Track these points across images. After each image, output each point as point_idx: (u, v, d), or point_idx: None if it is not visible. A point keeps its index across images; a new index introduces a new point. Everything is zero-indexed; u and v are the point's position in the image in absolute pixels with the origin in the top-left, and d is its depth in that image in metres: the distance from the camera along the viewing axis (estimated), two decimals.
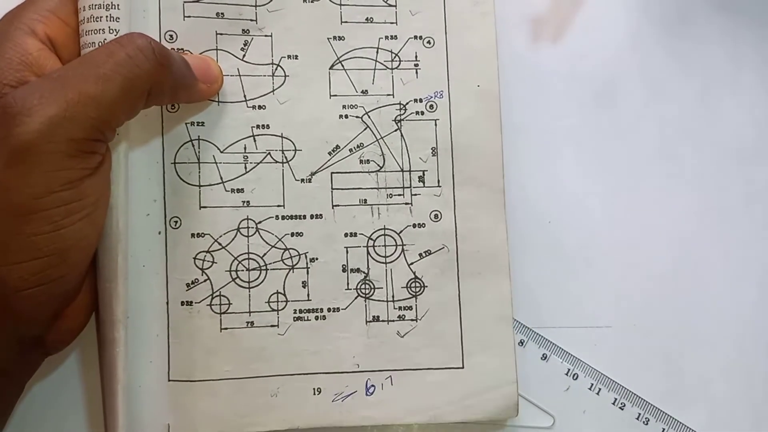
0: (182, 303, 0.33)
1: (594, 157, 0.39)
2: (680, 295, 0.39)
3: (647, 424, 0.37)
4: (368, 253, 0.34)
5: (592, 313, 0.38)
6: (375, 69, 0.35)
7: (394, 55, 0.35)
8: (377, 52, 0.35)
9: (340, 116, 0.35)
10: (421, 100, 0.35)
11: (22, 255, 0.26)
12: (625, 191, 0.39)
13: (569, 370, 0.37)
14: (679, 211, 0.39)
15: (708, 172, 0.40)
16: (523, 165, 0.38)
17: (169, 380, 0.33)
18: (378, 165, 0.35)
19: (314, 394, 0.33)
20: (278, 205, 0.34)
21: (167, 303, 0.33)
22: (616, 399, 0.37)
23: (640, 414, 0.37)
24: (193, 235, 0.33)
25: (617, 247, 0.39)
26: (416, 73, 0.35)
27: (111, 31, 0.30)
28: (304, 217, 0.34)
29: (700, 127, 0.40)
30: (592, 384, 0.37)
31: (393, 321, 0.34)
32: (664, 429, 0.37)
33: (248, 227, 0.33)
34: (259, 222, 0.34)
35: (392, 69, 0.35)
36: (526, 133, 0.38)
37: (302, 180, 0.34)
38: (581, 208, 0.39)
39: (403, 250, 0.35)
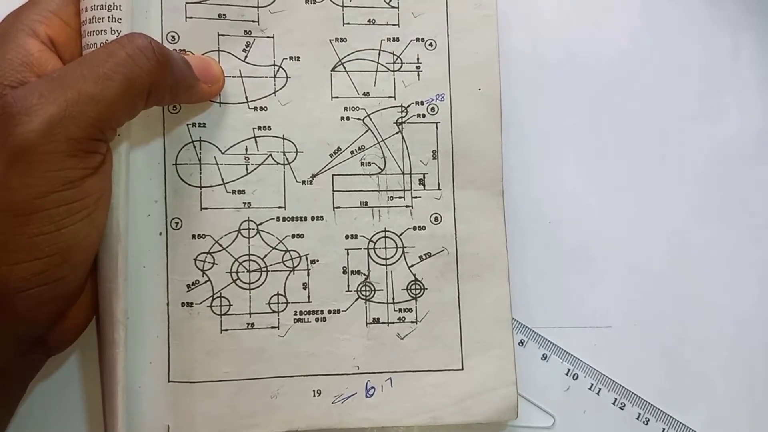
0: (183, 304, 0.33)
1: (594, 157, 0.39)
2: (680, 295, 0.39)
3: (647, 424, 0.37)
4: (369, 255, 0.34)
5: (592, 313, 0.38)
6: (377, 71, 0.35)
7: (395, 57, 0.35)
8: (379, 54, 0.35)
9: (342, 118, 0.35)
10: (422, 103, 0.35)
11: (24, 255, 0.26)
12: (625, 191, 0.39)
13: (569, 370, 0.38)
14: (679, 211, 0.39)
15: (708, 172, 0.40)
16: (523, 165, 0.38)
17: (169, 381, 0.33)
18: (379, 167, 0.35)
19: (314, 395, 0.33)
20: (279, 207, 0.34)
21: (168, 304, 0.33)
22: (616, 399, 0.37)
23: (640, 414, 0.37)
24: (193, 236, 0.33)
25: (617, 247, 0.39)
26: (418, 75, 0.35)
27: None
28: (305, 218, 0.34)
29: (699, 128, 0.40)
30: (592, 384, 0.38)
31: (393, 323, 0.34)
32: (664, 429, 0.38)
33: (249, 229, 0.33)
34: (260, 223, 0.34)
35: (394, 71, 0.35)
36: (526, 133, 0.38)
37: (303, 182, 0.34)
38: (581, 208, 0.39)
39: (403, 252, 0.35)
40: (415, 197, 0.35)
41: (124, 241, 0.31)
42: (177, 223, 0.33)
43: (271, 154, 0.34)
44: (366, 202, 0.34)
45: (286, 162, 0.34)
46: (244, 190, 0.34)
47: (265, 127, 0.34)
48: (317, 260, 0.34)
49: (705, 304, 0.39)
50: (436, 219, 0.35)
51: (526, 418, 0.37)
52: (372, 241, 0.34)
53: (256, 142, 0.34)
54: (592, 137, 0.39)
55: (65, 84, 0.26)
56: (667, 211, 0.39)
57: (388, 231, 0.35)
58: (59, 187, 0.26)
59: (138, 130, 0.32)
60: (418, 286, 0.35)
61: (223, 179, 0.33)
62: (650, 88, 0.40)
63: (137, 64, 0.27)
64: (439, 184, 0.35)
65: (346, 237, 0.34)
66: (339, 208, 0.34)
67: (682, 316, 0.39)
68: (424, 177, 0.35)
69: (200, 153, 0.33)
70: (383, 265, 0.34)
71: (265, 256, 0.34)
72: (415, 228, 0.35)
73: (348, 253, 0.34)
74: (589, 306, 0.38)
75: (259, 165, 0.34)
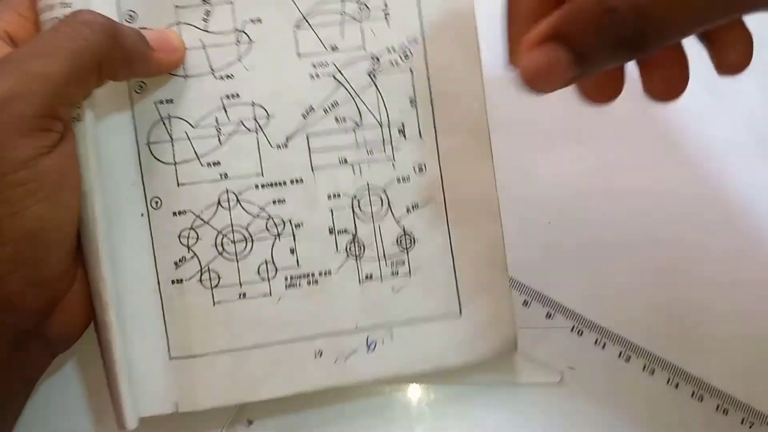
0: (173, 281, 0.33)
1: (594, 155, 0.39)
2: (680, 295, 0.38)
3: (653, 374, 0.37)
4: (353, 212, 0.34)
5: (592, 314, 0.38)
6: (342, 23, 0.34)
7: (361, 4, 0.34)
8: (343, 3, 0.34)
9: (311, 76, 0.33)
10: (394, 50, 0.34)
11: None
12: (625, 191, 0.39)
13: (574, 326, 0.38)
14: (678, 210, 0.39)
15: (708, 171, 0.39)
16: (522, 164, 0.38)
17: (170, 358, 0.33)
18: (355, 122, 0.34)
19: (315, 357, 0.33)
20: (257, 174, 0.33)
21: (158, 283, 0.33)
22: (621, 352, 0.37)
23: (645, 365, 0.37)
24: (174, 213, 0.33)
25: (617, 246, 0.38)
26: (387, 21, 0.34)
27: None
28: (285, 183, 0.33)
29: (699, 127, 0.39)
30: (597, 339, 0.38)
31: (386, 278, 0.34)
32: (669, 378, 0.37)
33: (229, 200, 0.33)
34: (239, 193, 0.33)
35: (361, 20, 0.34)
36: (524, 131, 0.38)
37: (278, 146, 0.33)
38: (581, 208, 0.38)
39: (389, 206, 0.34)
40: (396, 149, 0.34)
41: (102, 224, 0.31)
42: (157, 202, 0.33)
43: (242, 122, 0.33)
44: (345, 159, 0.34)
45: (258, 128, 0.33)
46: (219, 162, 0.33)
47: (233, 95, 0.33)
48: (301, 224, 0.33)
49: (705, 303, 0.38)
50: (420, 169, 0.34)
51: (533, 376, 0.37)
52: (356, 198, 0.34)
53: (225, 111, 0.33)
54: (591, 135, 0.39)
55: (11, 65, 0.26)
56: (667, 210, 0.39)
57: (371, 186, 0.34)
58: (13, 168, 0.26)
59: (106, 114, 0.32)
60: (408, 239, 0.34)
61: (197, 153, 0.33)
62: None
63: (83, 37, 0.27)
64: (420, 133, 0.34)
65: (328, 197, 0.34)
66: (318, 168, 0.34)
67: (682, 316, 0.38)
68: (404, 127, 0.34)
69: (171, 130, 0.33)
70: (370, 221, 0.34)
71: (248, 225, 0.33)
72: (399, 180, 0.34)
73: (332, 213, 0.34)
74: (588, 306, 0.38)
75: (232, 134, 0.33)
